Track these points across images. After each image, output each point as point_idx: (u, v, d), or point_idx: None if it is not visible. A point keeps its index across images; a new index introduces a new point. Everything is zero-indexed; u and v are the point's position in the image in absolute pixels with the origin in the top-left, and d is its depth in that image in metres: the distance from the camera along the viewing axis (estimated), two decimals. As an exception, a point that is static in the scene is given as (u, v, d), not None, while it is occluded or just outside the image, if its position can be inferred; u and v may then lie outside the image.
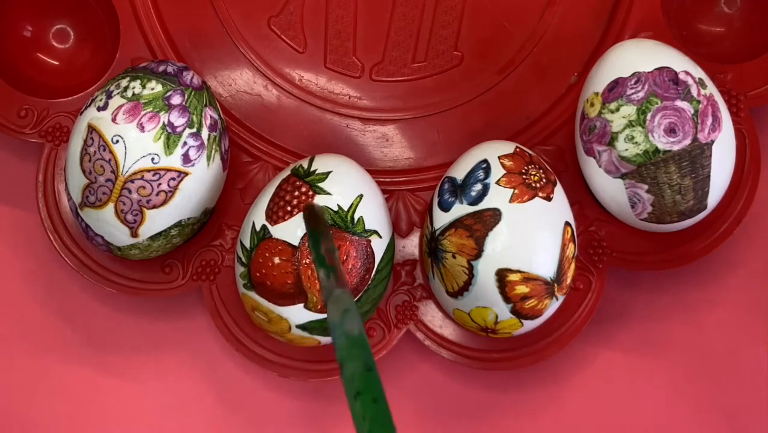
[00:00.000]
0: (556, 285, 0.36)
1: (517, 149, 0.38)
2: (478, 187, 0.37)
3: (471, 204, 0.36)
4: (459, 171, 0.38)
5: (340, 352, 0.27)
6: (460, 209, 0.37)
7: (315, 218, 0.34)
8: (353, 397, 0.25)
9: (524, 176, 0.37)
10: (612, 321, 0.42)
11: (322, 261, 0.31)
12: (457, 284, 0.37)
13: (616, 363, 0.42)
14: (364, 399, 0.25)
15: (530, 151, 0.38)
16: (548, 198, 0.37)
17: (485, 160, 0.37)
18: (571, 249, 0.37)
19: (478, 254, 0.36)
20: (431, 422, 0.42)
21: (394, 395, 0.42)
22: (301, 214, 0.36)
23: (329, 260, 0.31)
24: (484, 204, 0.36)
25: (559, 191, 0.37)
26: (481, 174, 0.37)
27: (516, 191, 0.36)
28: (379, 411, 0.25)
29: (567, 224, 0.37)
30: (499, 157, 0.37)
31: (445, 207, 0.37)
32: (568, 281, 0.37)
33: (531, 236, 0.36)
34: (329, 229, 0.35)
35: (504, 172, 0.37)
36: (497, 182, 0.36)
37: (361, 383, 0.25)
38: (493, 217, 0.36)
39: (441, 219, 0.37)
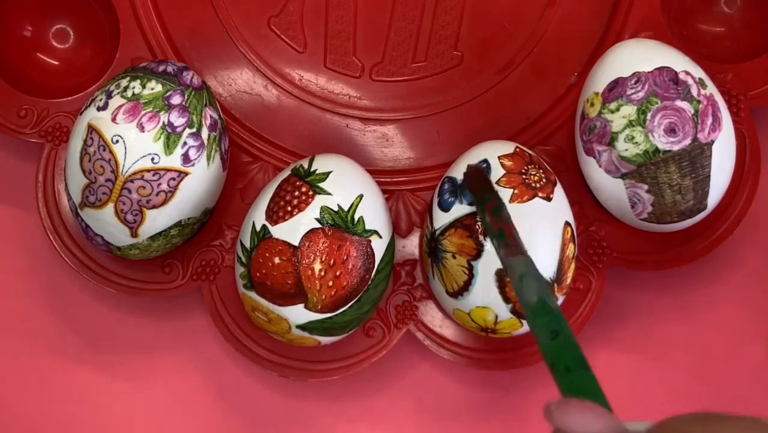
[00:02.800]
0: (556, 285, 0.36)
1: (517, 149, 0.38)
2: (478, 187, 0.37)
3: (471, 204, 0.36)
4: (459, 171, 0.38)
5: (530, 324, 0.26)
6: (460, 209, 0.37)
7: (478, 180, 0.32)
8: (551, 365, 0.24)
9: (524, 176, 0.37)
10: (612, 321, 0.42)
11: (489, 230, 0.29)
12: (457, 284, 0.37)
13: (616, 363, 0.42)
14: (557, 369, 0.24)
15: (530, 151, 0.38)
16: (548, 198, 0.37)
17: (485, 161, 0.37)
18: (571, 249, 0.37)
19: (478, 253, 0.36)
20: (431, 421, 0.42)
21: (394, 394, 0.42)
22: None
23: (495, 227, 0.29)
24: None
25: (559, 191, 0.37)
26: (481, 174, 0.37)
27: (516, 191, 0.36)
28: (572, 379, 0.24)
29: (567, 224, 0.37)
30: (499, 157, 0.37)
31: (445, 207, 0.37)
32: (568, 281, 0.37)
33: (531, 236, 0.36)
34: (492, 188, 0.34)
35: (504, 172, 0.37)
36: (497, 182, 0.36)
37: (551, 355, 0.25)
38: (493, 217, 0.36)
39: (441, 219, 0.37)
